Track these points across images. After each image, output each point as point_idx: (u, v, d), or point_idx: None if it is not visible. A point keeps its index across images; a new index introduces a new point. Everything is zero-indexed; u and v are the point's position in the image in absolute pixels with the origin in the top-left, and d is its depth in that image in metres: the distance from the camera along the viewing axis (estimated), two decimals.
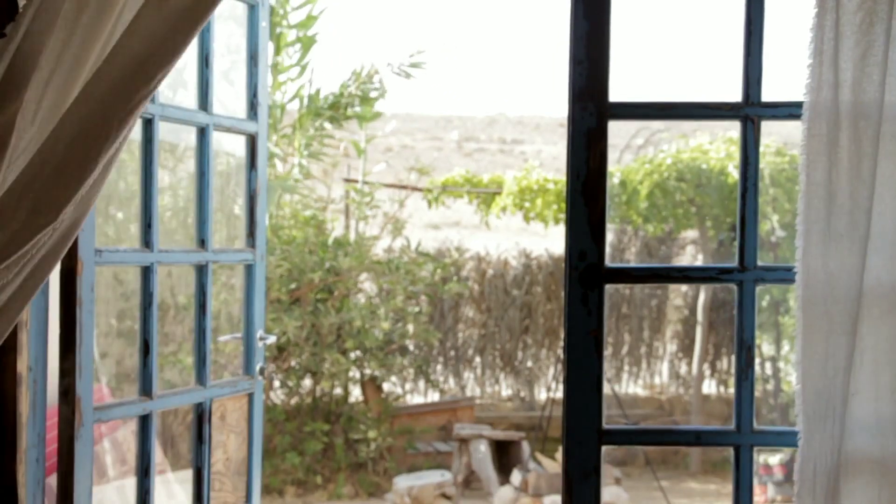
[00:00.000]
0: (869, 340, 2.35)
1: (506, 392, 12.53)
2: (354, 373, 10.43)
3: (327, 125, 10.51)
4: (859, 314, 2.35)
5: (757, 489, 9.56)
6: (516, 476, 9.40)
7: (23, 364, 2.33)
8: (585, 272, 2.51)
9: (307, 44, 10.49)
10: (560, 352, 11.59)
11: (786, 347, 10.59)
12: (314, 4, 10.52)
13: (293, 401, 10.20)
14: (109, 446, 4.66)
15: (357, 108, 10.49)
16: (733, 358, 5.80)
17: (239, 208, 6.20)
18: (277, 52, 10.44)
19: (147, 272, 3.37)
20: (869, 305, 2.34)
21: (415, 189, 12.27)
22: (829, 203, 2.36)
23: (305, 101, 10.47)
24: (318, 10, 10.54)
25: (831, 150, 2.36)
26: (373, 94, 10.51)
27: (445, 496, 9.15)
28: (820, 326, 2.37)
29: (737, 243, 2.56)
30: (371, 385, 10.50)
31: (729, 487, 5.62)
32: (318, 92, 10.48)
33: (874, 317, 2.34)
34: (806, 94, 2.37)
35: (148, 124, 3.36)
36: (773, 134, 12.90)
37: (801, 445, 2.38)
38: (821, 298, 2.37)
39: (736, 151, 10.63)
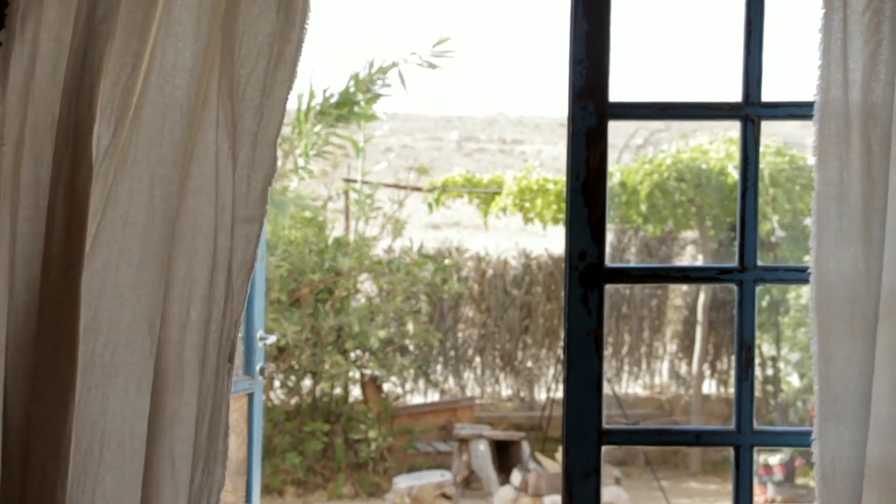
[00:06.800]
0: (878, 343, 2.31)
1: (506, 392, 12.53)
2: (354, 373, 10.42)
3: (336, 125, 10.44)
4: (877, 317, 2.30)
5: (757, 489, 9.57)
6: (516, 476, 9.40)
7: None
8: (585, 272, 2.51)
9: None
10: (560, 352, 11.59)
11: (786, 347, 10.58)
12: None
13: (293, 401, 10.20)
14: None
15: (362, 104, 10.42)
16: (733, 358, 5.80)
17: None
18: None
19: None
20: (883, 308, 2.30)
21: (415, 189, 12.25)
22: (840, 203, 2.33)
23: (306, 98, 10.40)
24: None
25: (842, 150, 2.32)
26: (383, 91, 10.43)
27: (445, 496, 9.15)
28: (834, 329, 2.33)
29: (737, 243, 2.55)
30: (371, 385, 10.50)
31: (729, 487, 5.62)
32: (324, 91, 10.41)
33: (883, 320, 2.31)
34: (816, 94, 2.34)
35: None
36: (773, 134, 12.92)
37: (818, 448, 2.34)
38: (835, 300, 2.33)
39: (736, 151, 10.63)
